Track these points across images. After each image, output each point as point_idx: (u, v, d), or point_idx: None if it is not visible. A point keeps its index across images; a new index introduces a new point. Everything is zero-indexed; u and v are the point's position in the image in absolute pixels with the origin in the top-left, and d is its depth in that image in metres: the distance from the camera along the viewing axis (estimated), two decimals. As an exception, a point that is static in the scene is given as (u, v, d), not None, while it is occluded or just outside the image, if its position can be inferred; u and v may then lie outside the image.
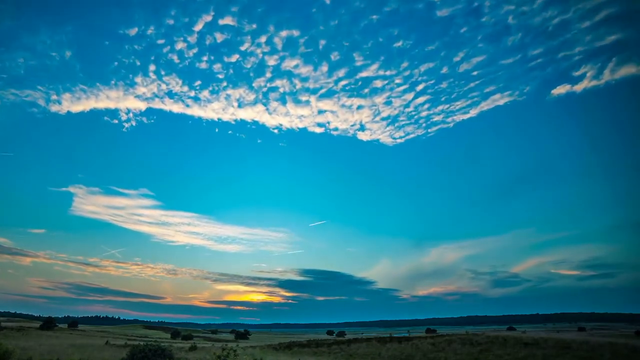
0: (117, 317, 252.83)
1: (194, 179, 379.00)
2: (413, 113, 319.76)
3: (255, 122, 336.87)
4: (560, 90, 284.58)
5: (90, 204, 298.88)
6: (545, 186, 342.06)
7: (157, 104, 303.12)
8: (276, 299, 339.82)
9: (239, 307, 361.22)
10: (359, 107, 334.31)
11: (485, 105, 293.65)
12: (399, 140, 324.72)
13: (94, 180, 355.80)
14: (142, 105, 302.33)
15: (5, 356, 16.13)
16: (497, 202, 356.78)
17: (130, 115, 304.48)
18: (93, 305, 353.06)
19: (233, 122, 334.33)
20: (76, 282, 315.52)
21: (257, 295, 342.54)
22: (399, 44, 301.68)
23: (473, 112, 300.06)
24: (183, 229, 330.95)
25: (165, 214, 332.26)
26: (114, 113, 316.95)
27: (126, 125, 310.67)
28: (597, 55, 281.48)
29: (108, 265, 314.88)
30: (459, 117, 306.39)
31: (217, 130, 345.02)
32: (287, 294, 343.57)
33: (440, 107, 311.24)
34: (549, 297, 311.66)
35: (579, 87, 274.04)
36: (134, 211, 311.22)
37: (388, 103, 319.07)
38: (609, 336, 42.72)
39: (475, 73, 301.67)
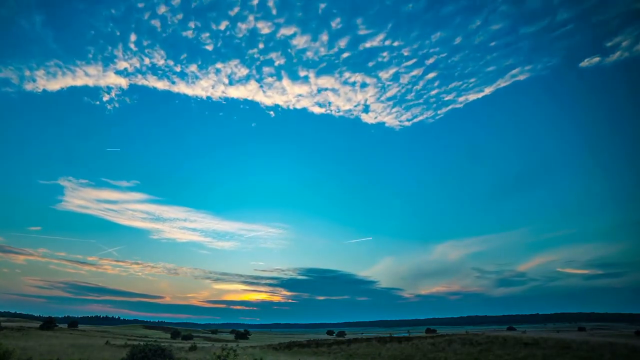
0: (117, 317, 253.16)
1: (186, 170, 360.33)
2: (422, 92, 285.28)
3: (248, 102, 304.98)
4: (588, 63, 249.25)
5: (81, 198, 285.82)
6: (557, 179, 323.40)
7: (140, 80, 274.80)
8: (276, 299, 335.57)
9: (238, 307, 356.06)
10: (363, 85, 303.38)
11: (502, 82, 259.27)
12: (406, 124, 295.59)
13: (83, 171, 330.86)
14: (123, 82, 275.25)
15: (5, 356, 16.12)
16: (506, 196, 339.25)
17: (113, 94, 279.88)
18: (90, 305, 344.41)
19: (224, 102, 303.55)
20: (72, 281, 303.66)
21: (256, 295, 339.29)
22: (409, 6, 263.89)
23: (488, 90, 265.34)
24: (178, 224, 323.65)
25: (159, 208, 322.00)
26: (94, 92, 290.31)
27: (109, 106, 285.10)
28: (636, 18, 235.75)
29: (105, 264, 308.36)
30: (473, 96, 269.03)
31: (207, 113, 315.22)
32: (287, 294, 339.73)
33: (452, 84, 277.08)
34: (555, 297, 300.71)
35: (610, 59, 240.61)
36: (127, 206, 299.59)
37: (395, 79, 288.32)
38: (609, 336, 42.71)
39: (492, 44, 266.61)
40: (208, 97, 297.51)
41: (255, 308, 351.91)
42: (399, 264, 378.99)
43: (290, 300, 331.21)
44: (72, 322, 69.39)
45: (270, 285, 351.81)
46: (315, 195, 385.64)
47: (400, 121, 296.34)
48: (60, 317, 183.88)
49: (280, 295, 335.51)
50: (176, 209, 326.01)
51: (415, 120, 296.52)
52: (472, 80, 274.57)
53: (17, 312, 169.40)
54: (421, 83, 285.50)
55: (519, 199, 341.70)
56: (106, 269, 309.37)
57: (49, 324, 52.11)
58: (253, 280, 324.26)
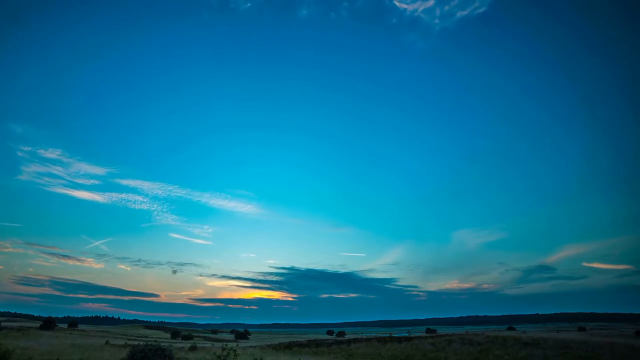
0: (117, 317, 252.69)
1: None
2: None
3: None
4: None
5: (38, 173, 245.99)
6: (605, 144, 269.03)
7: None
8: (276, 296, 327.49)
9: (237, 306, 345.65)
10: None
11: None
12: (448, 20, 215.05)
13: (37, 135, 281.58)
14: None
15: (5, 356, 16.13)
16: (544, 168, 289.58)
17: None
18: (83, 304, 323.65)
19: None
20: (58, 278, 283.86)
21: (255, 293, 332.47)
22: None
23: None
24: (164, 207, 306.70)
25: (133, 183, 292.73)
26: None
27: None
28: None
29: (91, 259, 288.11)
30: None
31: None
32: (288, 292, 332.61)
33: None
34: (581, 297, 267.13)
35: None
36: (100, 181, 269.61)
37: None
38: (609, 336, 42.70)
39: None
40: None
41: (254, 307, 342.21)
42: (408, 257, 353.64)
43: (289, 298, 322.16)
44: (72, 322, 69.42)
45: (269, 282, 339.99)
46: (310, 168, 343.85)
47: (441, 12, 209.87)
48: (60, 317, 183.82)
49: (280, 294, 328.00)
50: (160, 185, 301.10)
51: (458, 14, 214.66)
52: None
53: (5, 310, 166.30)
54: None
55: (555, 172, 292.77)
56: (91, 264, 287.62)
57: (49, 324, 52.07)
58: (251, 277, 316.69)
